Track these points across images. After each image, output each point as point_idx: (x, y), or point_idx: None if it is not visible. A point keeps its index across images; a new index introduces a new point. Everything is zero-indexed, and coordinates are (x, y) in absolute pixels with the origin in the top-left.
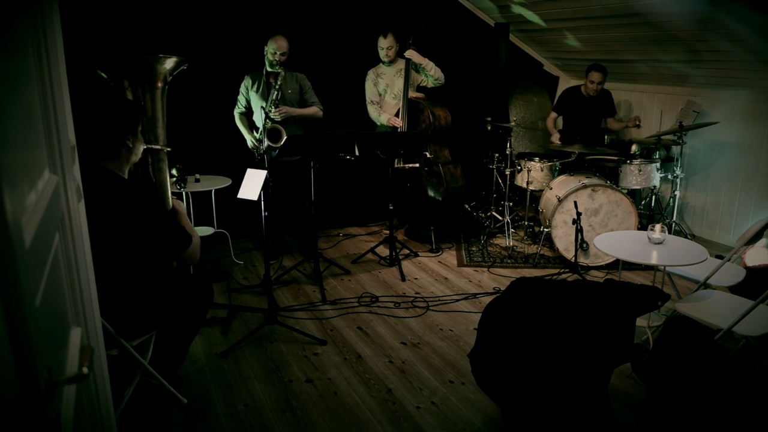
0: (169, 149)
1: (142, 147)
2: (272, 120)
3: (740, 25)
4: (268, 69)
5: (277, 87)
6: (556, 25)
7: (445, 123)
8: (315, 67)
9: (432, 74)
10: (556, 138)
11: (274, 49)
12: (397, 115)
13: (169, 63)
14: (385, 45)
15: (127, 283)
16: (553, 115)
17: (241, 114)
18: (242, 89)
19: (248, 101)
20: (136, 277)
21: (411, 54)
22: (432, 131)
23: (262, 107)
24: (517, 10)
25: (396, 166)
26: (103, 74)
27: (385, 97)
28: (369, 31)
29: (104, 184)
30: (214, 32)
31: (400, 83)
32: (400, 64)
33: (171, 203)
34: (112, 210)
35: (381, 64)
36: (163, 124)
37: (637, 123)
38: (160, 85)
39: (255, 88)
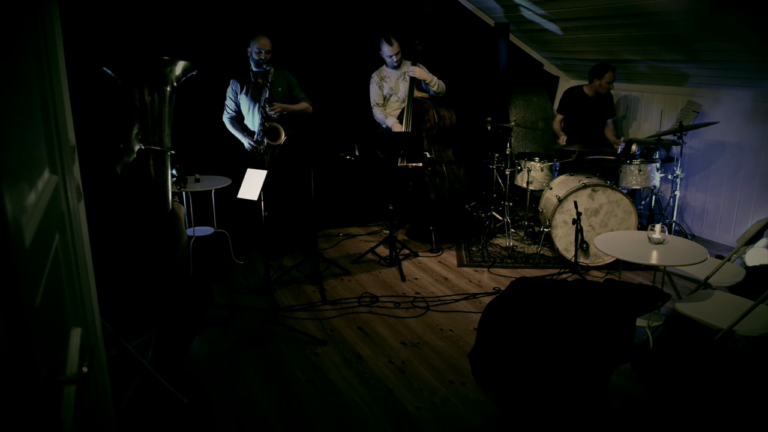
0: (172, 152)
1: (137, 146)
2: (269, 118)
3: (740, 25)
4: (254, 69)
5: (267, 85)
6: (558, 25)
7: (450, 123)
8: (315, 67)
9: (435, 89)
10: (563, 140)
11: (258, 48)
12: (400, 117)
13: (179, 67)
14: (392, 52)
15: (126, 283)
16: (559, 117)
17: (231, 118)
18: (230, 93)
19: (237, 105)
20: (135, 276)
21: (414, 71)
22: (436, 131)
23: (261, 107)
24: (520, 10)
25: (399, 164)
26: (110, 72)
27: (389, 100)
28: (371, 31)
29: (96, 178)
30: (214, 32)
31: (404, 87)
32: (405, 66)
33: (171, 205)
34: (104, 203)
35: (384, 67)
36: (168, 126)
37: (619, 147)
38: (168, 88)
39: (244, 91)
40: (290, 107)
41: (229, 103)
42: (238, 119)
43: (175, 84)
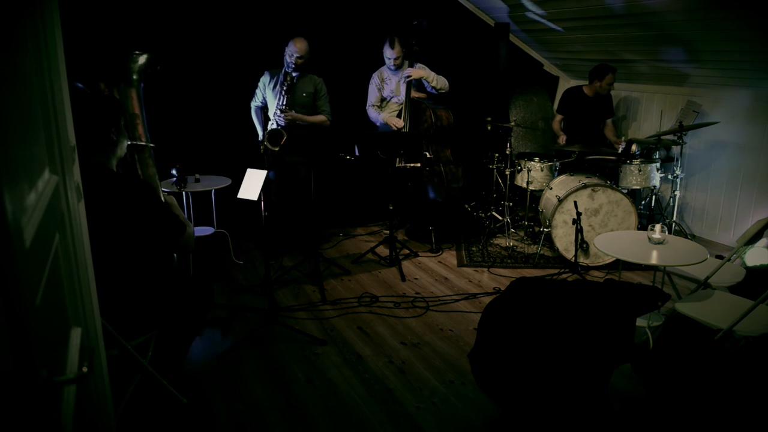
0: (152, 145)
1: (126, 142)
2: (278, 122)
3: (740, 25)
4: (286, 69)
5: (284, 92)
6: (558, 25)
7: (447, 123)
8: (314, 67)
9: (434, 85)
10: (563, 140)
11: (292, 52)
12: (398, 116)
13: (141, 59)
14: (392, 55)
15: (126, 283)
16: (558, 117)
17: (257, 108)
18: (260, 84)
19: (265, 97)
20: (135, 275)
21: (411, 73)
22: (434, 131)
23: (276, 109)
24: (523, 9)
25: (398, 165)
26: (80, 85)
27: (390, 101)
28: (370, 30)
29: (94, 176)
30: (213, 34)
31: (405, 89)
32: (406, 68)
33: (163, 197)
34: (104, 201)
35: (385, 68)
36: (143, 121)
37: (620, 146)
38: (135, 78)
39: (272, 85)
40: (303, 118)
41: (258, 94)
42: (263, 110)
43: (143, 77)
